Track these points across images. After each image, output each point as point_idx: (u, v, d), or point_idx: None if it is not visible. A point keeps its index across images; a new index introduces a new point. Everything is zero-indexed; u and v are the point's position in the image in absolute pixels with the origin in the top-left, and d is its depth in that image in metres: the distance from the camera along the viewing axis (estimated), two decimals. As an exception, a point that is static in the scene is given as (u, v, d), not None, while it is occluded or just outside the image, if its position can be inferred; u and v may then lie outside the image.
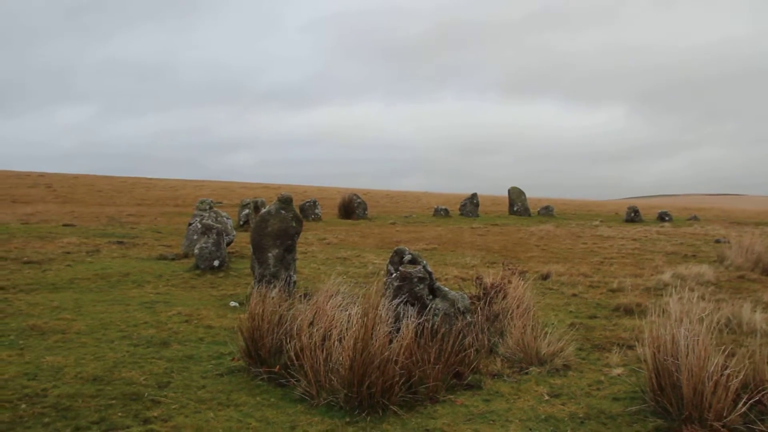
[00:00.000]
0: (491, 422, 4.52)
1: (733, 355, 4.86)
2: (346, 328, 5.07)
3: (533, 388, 5.21)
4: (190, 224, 13.42)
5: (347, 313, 5.38)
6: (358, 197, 25.49)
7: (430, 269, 6.20)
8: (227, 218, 13.75)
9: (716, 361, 4.36)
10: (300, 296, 6.33)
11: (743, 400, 4.28)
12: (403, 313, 5.62)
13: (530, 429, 4.40)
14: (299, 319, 5.40)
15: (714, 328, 5.94)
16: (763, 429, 4.22)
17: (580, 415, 4.64)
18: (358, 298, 5.71)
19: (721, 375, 4.31)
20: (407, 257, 6.27)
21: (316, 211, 23.28)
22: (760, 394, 4.45)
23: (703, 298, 8.80)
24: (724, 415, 4.24)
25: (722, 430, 4.15)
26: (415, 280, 6.03)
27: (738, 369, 4.45)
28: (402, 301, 5.87)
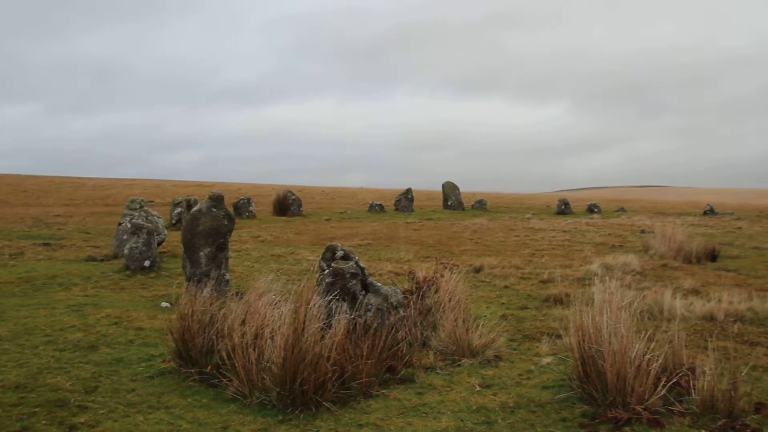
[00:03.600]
0: (424, 415, 4.57)
1: (654, 340, 5.04)
2: (279, 326, 5.04)
3: (465, 379, 5.29)
4: (119, 224, 13.11)
5: (279, 310, 5.35)
6: (293, 194, 25.34)
7: (362, 265, 6.22)
8: (158, 217, 13.47)
9: (637, 347, 4.52)
10: (232, 295, 6.25)
11: (662, 383, 4.45)
12: (336, 309, 5.63)
13: (462, 420, 4.47)
14: (231, 318, 5.34)
15: (636, 315, 6.16)
16: (681, 410, 4.40)
17: (511, 405, 4.73)
18: (290, 295, 5.68)
19: (642, 360, 4.47)
20: (339, 253, 6.28)
21: (251, 208, 23.02)
22: (678, 376, 4.63)
23: (628, 286, 9.12)
24: (646, 398, 4.39)
25: (644, 413, 4.30)
26: (348, 275, 6.04)
27: (658, 354, 4.63)
28: (334, 297, 5.87)
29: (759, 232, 20.25)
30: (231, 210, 12.83)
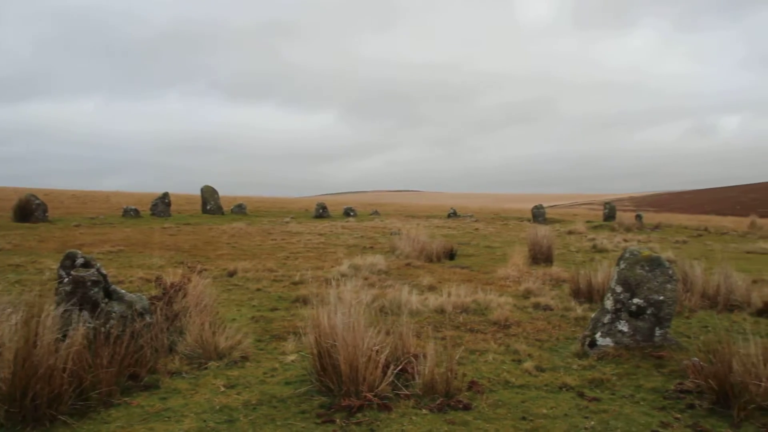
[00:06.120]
0: (166, 419, 4.60)
1: (387, 333, 5.53)
2: (9, 340, 4.76)
3: (211, 381, 5.38)
4: None
5: (10, 323, 5.05)
6: (37, 198, 23.40)
7: (104, 272, 6.05)
8: None
9: (368, 340, 4.94)
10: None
11: (390, 371, 4.92)
12: (76, 319, 5.44)
13: (204, 421, 4.56)
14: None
15: (374, 311, 6.64)
16: (407, 393, 4.89)
17: (254, 402, 4.92)
18: (24, 306, 5.37)
19: (372, 351, 4.90)
20: (80, 260, 6.05)
21: (-15, 214, 20.90)
22: (404, 364, 5.15)
23: (373, 285, 9.74)
24: (376, 385, 4.83)
25: (374, 399, 4.72)
26: (89, 283, 5.84)
27: (387, 344, 5.09)
28: (75, 306, 5.66)
29: (492, 233, 22.53)
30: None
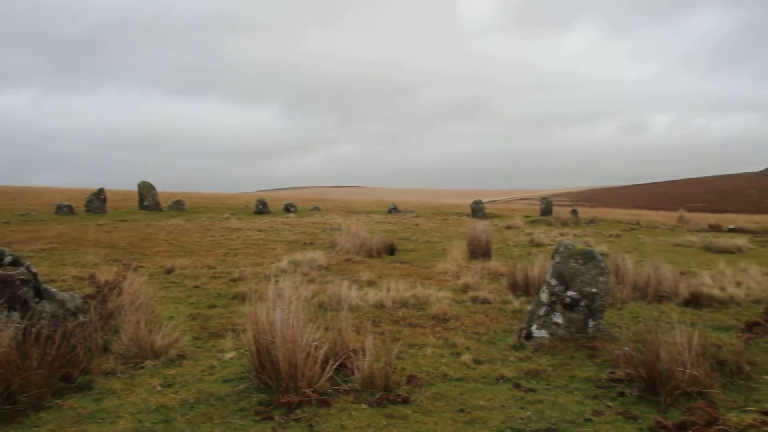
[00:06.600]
0: (100, 421, 4.50)
1: (327, 328, 5.53)
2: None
3: (147, 381, 5.29)
4: None
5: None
6: (-39, 195, 22.55)
7: (34, 270, 5.87)
8: None
9: (306, 336, 4.94)
10: None
11: (329, 366, 4.93)
12: (4, 320, 5.26)
13: (140, 421, 4.48)
14: None
15: (314, 306, 6.63)
16: (346, 388, 4.91)
17: (191, 401, 4.85)
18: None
19: (311, 347, 4.89)
20: (8, 258, 5.85)
21: None
22: (343, 359, 5.16)
23: (313, 281, 9.72)
24: (315, 381, 4.83)
25: (313, 395, 4.72)
26: (18, 282, 5.66)
27: (326, 340, 5.10)
28: (3, 306, 5.48)
29: (432, 228, 22.73)
30: None
